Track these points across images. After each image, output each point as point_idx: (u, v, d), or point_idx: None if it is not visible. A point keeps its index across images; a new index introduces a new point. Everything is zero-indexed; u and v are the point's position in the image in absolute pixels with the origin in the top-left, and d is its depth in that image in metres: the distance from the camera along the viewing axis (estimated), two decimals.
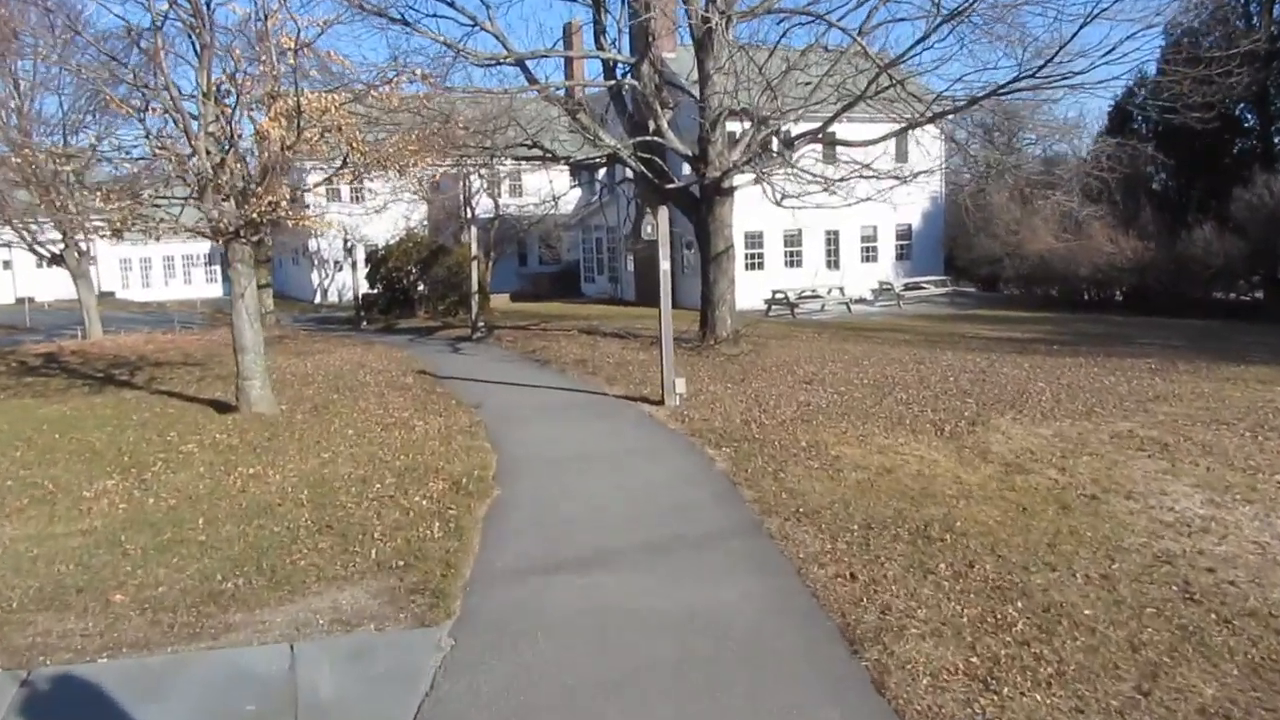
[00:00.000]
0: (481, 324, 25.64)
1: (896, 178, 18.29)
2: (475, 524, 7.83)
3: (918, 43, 16.06)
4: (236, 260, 12.73)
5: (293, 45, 11.37)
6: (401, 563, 6.90)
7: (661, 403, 13.72)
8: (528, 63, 20.02)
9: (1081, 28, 15.42)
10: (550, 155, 21.52)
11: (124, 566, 6.92)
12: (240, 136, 12.54)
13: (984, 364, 17.38)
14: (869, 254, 36.92)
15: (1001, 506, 8.33)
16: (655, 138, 19.85)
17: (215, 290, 54.93)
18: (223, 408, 13.54)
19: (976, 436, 11.30)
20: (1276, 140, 35.25)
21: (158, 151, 12.16)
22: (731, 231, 20.62)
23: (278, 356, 20.37)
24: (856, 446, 10.72)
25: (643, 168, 19.73)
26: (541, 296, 41.37)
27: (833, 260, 36.09)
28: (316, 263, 46.81)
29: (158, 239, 12.71)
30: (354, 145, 12.68)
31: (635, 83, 19.82)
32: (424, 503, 8.43)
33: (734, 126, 20.43)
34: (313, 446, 10.88)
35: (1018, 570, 6.71)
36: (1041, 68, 15.78)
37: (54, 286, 47.02)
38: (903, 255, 37.68)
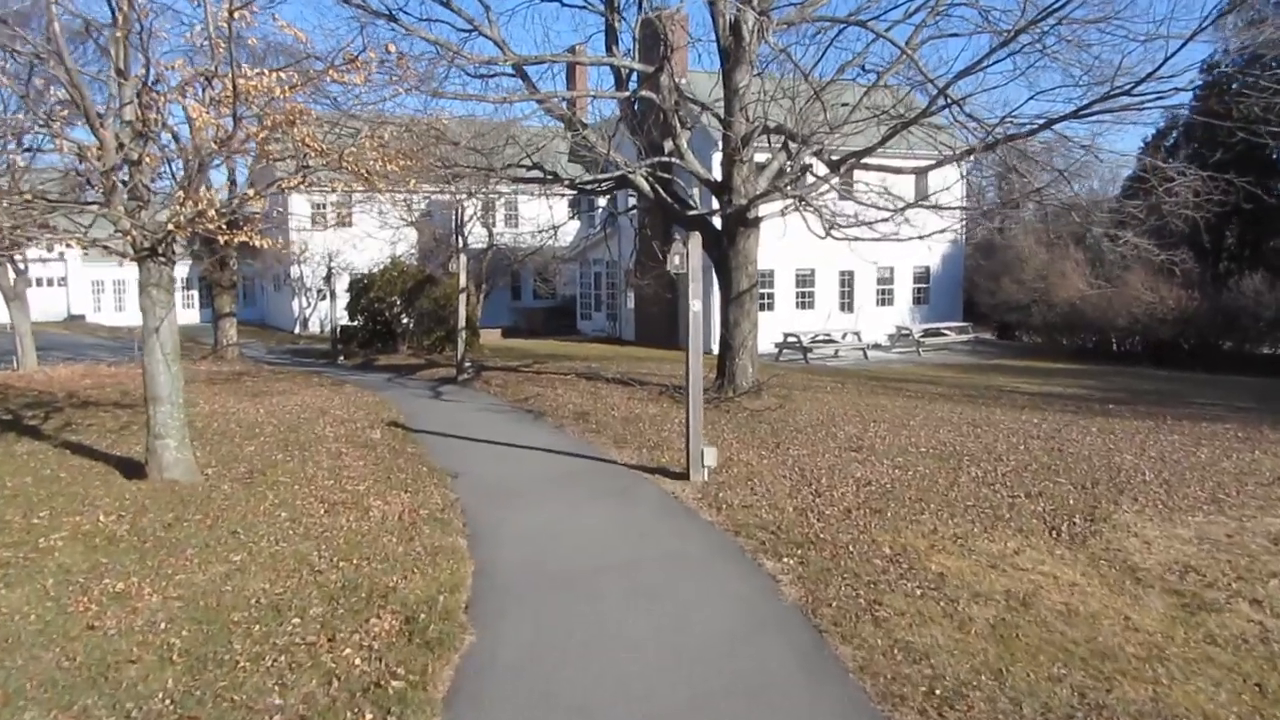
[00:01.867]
0: (468, 364, 22.87)
1: (964, 208, 15.69)
2: (431, 714, 5.00)
3: (997, 48, 13.53)
4: (151, 284, 9.95)
5: (229, 7, 8.72)
6: None
7: (685, 476, 10.96)
8: (530, 72, 17.50)
9: (1192, 36, 12.98)
10: (553, 176, 18.93)
11: None
12: (163, 126, 9.84)
13: (1047, 428, 14.89)
14: (884, 297, 34.58)
15: (1224, 682, 5.59)
16: (673, 159, 17.27)
17: (192, 316, 52.16)
18: (133, 470, 10.65)
19: (1105, 540, 8.61)
20: None
21: (56, 136, 9.45)
22: (756, 268, 17.98)
23: (228, 399, 17.54)
24: (959, 556, 7.98)
25: (661, 190, 17.12)
26: (535, 333, 38.94)
27: (847, 302, 33.70)
28: (298, 290, 43.93)
29: (61, 256, 9.97)
30: (310, 144, 9.98)
31: (652, 94, 17.23)
32: (358, 660, 5.55)
33: (760, 157, 17.87)
34: (225, 540, 7.99)
35: None
36: (1139, 84, 13.27)
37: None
38: (920, 299, 35.37)
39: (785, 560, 7.71)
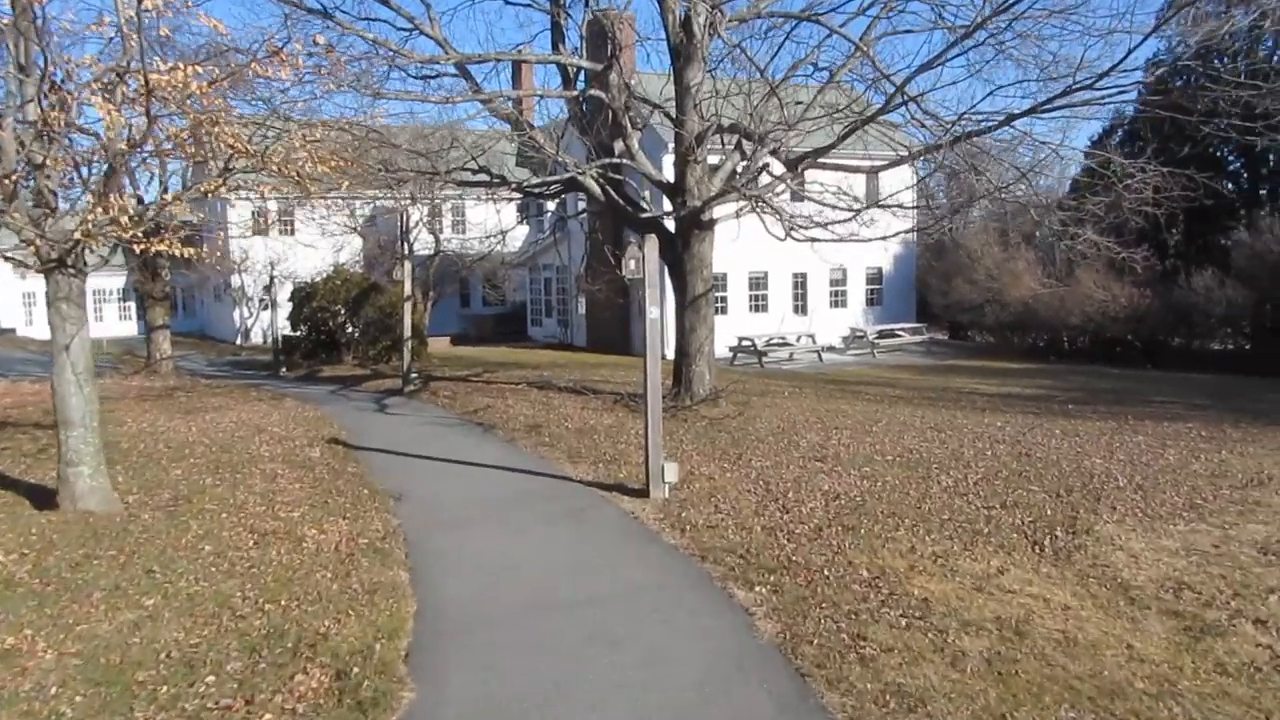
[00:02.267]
0: (415, 374, 22.05)
1: (925, 208, 15.30)
2: None
3: (954, 44, 13.13)
4: (60, 298, 9.10)
5: None
6: None
7: (645, 493, 10.34)
8: (474, 72, 16.78)
9: (1155, 30, 12.73)
10: (500, 180, 18.21)
11: None
12: (70, 125, 9.01)
13: (1011, 431, 14.61)
14: (838, 298, 34.30)
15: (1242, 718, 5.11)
16: (624, 159, 16.66)
17: (130, 328, 50.51)
18: (45, 499, 9.78)
19: (1090, 555, 8.17)
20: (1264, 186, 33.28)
21: None
22: (711, 272, 17.43)
23: (159, 416, 16.57)
24: (941, 578, 7.46)
25: (612, 192, 16.52)
26: (485, 340, 38.13)
27: (800, 305, 33.37)
28: (239, 300, 42.62)
29: None
30: (234, 145, 9.21)
31: (601, 93, 16.62)
32: None
33: (712, 159, 17.32)
34: (139, 581, 7.18)
35: None
36: (1101, 77, 12.94)
37: None
38: (873, 300, 35.16)
39: (758, 589, 7.11)
